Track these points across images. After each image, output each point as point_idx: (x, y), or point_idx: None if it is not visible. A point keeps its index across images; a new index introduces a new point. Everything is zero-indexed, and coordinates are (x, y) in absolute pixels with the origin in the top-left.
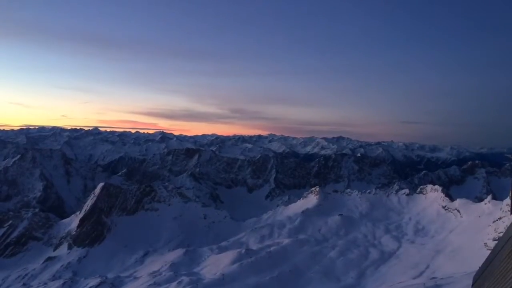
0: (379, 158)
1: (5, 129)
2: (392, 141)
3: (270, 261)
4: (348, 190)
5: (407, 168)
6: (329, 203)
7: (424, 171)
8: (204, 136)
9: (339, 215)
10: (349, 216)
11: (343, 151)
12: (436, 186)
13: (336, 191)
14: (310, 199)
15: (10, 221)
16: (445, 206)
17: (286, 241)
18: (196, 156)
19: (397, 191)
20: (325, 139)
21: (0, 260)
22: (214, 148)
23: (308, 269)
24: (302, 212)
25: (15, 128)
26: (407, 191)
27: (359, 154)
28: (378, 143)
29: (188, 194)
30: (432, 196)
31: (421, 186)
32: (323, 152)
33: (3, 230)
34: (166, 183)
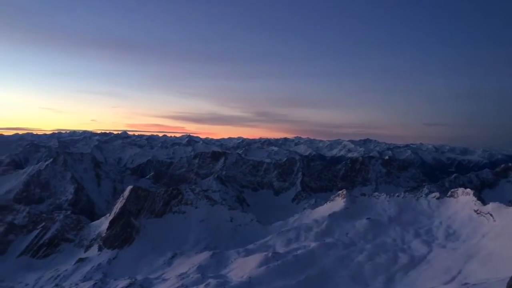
0: (408, 160)
1: (38, 133)
2: (421, 143)
3: (297, 264)
4: (376, 193)
5: (437, 171)
6: (357, 206)
7: (455, 174)
8: (230, 139)
9: (367, 218)
10: (377, 219)
11: (371, 154)
12: (468, 190)
13: (363, 194)
14: (337, 202)
15: (43, 223)
16: (477, 210)
17: (313, 244)
18: (222, 159)
19: (427, 194)
20: (352, 141)
21: (34, 261)
22: (240, 151)
23: (336, 273)
24: (329, 215)
25: (48, 133)
26: (437, 194)
27: (387, 157)
28: (407, 146)
29: (214, 197)
30: (464, 200)
31: (452, 190)
32: (349, 154)
33: (37, 231)
34: (193, 186)
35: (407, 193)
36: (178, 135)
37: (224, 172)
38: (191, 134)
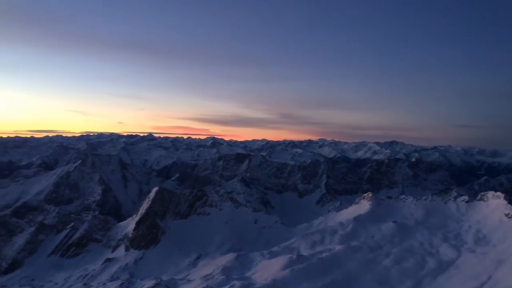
0: (436, 163)
1: (67, 135)
2: (449, 145)
3: (322, 267)
4: (403, 196)
5: (466, 173)
6: (383, 209)
7: (484, 177)
8: (254, 141)
9: (393, 222)
10: (404, 223)
11: (397, 156)
12: (498, 193)
13: (389, 197)
14: (363, 205)
15: (72, 223)
16: (508, 213)
17: (338, 247)
18: (247, 161)
19: (455, 197)
20: (378, 143)
21: (63, 261)
22: (264, 153)
23: (361, 277)
24: (355, 218)
25: (76, 135)
26: (466, 197)
27: (414, 159)
28: (434, 148)
29: (239, 199)
30: (494, 203)
31: (482, 193)
32: (375, 157)
33: (66, 232)
34: (217, 188)
35: (435, 196)
36: (202, 137)
37: (248, 174)
38: (215, 136)
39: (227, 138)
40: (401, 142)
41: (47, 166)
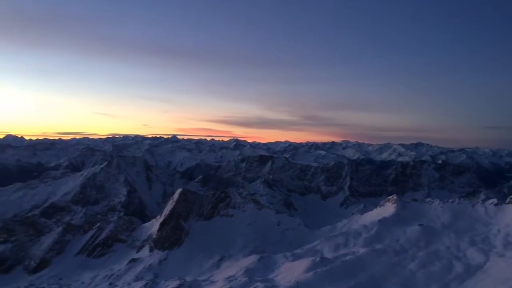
0: (463, 165)
1: (94, 138)
2: (477, 147)
3: (345, 270)
4: (429, 199)
5: (494, 176)
6: (408, 212)
7: None
8: (277, 143)
9: (419, 225)
10: (430, 226)
11: (423, 158)
12: None
13: (415, 200)
14: (387, 208)
15: (98, 224)
16: None
17: (362, 250)
18: (269, 163)
19: (483, 200)
20: (403, 145)
21: (89, 260)
22: (287, 155)
23: (386, 281)
24: (379, 221)
25: (102, 137)
26: (495, 200)
27: (440, 161)
28: (462, 150)
29: (261, 201)
30: None
31: (511, 196)
32: (400, 159)
33: (92, 232)
34: (240, 190)
35: (462, 199)
36: (225, 139)
37: (271, 176)
38: (238, 138)
39: (250, 140)
40: (427, 144)
41: (74, 168)
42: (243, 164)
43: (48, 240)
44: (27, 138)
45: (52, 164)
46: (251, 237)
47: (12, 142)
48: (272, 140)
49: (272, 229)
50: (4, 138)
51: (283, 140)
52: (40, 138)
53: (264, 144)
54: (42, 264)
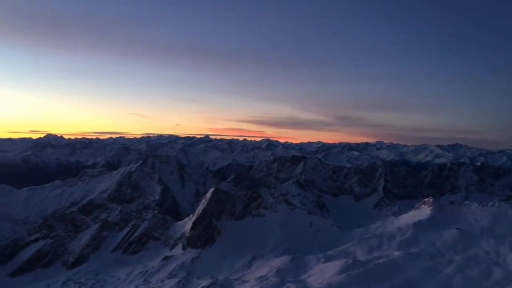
0: (503, 167)
1: (129, 137)
2: None
3: (379, 273)
4: (467, 202)
5: None
6: (445, 215)
7: None
8: (309, 143)
9: (457, 228)
10: (468, 230)
11: (460, 160)
12: None
13: (452, 203)
14: (423, 211)
15: (133, 222)
16: None
17: (396, 253)
18: (302, 164)
19: None
20: (439, 146)
21: (125, 257)
22: (319, 156)
23: (422, 285)
24: (414, 224)
25: (138, 136)
26: None
27: (479, 163)
28: (502, 151)
29: (293, 202)
30: None
31: None
32: (437, 160)
33: (127, 229)
34: (272, 190)
35: (502, 202)
36: (257, 139)
37: (303, 177)
38: (270, 138)
39: (282, 140)
40: (465, 145)
41: (111, 166)
42: (275, 165)
43: (85, 236)
44: (66, 137)
45: (90, 163)
46: (283, 237)
47: (52, 141)
48: (304, 141)
49: (304, 230)
50: (44, 137)
51: (315, 140)
52: (79, 137)
53: (296, 145)
54: (80, 260)
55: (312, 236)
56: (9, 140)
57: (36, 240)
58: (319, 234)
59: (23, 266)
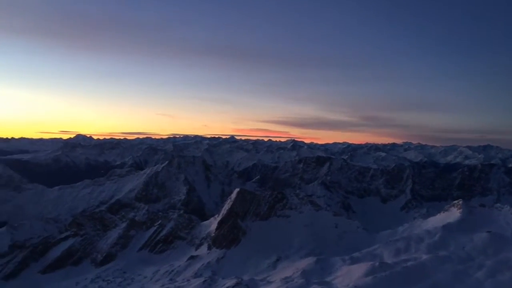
0: None
1: (156, 137)
2: None
3: (406, 276)
4: (498, 204)
5: None
6: (475, 218)
7: None
8: (335, 144)
9: (487, 232)
10: (500, 233)
11: (492, 161)
12: None
13: (483, 205)
14: (452, 213)
15: (160, 221)
16: None
17: (424, 256)
18: (327, 164)
19: None
20: (469, 147)
21: (151, 256)
22: (345, 157)
23: None
24: (443, 226)
25: (164, 137)
26: None
27: (511, 165)
28: None
29: (319, 202)
30: None
31: None
32: (467, 162)
33: (154, 228)
34: (297, 191)
35: None
36: (283, 139)
37: (328, 178)
38: (295, 139)
39: (307, 141)
40: (497, 147)
41: (138, 166)
42: (300, 165)
43: (113, 235)
44: (95, 138)
45: (118, 163)
46: (308, 238)
47: (82, 142)
48: (330, 141)
49: (329, 232)
50: (74, 137)
51: (341, 141)
52: (107, 138)
53: (322, 145)
54: (108, 258)
55: (337, 238)
56: (41, 140)
57: (66, 238)
58: (345, 236)
59: (54, 263)
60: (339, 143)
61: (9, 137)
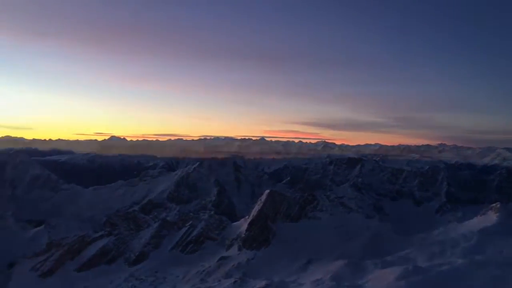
0: None
1: (187, 139)
2: None
3: (441, 281)
4: None
5: None
6: None
7: None
8: (366, 145)
9: None
10: None
11: None
12: None
13: None
14: (489, 217)
15: (191, 222)
16: None
17: (460, 261)
18: (359, 166)
19: None
20: (508, 149)
21: (183, 256)
22: (377, 158)
23: None
24: (480, 230)
25: (195, 138)
26: None
27: None
28: None
29: (350, 205)
30: None
31: None
32: (505, 164)
33: (185, 229)
34: (328, 193)
35: None
36: (313, 141)
37: (360, 179)
38: (326, 140)
39: (338, 142)
40: None
41: (170, 167)
42: (331, 167)
43: (146, 234)
44: (128, 139)
45: (150, 164)
46: (339, 241)
47: (116, 143)
48: (362, 143)
49: (361, 234)
50: (109, 139)
51: (373, 142)
52: (140, 139)
53: (353, 147)
54: (141, 257)
55: (369, 241)
56: (77, 142)
57: (100, 237)
58: (377, 239)
59: (89, 262)
60: (371, 145)
61: (47, 138)
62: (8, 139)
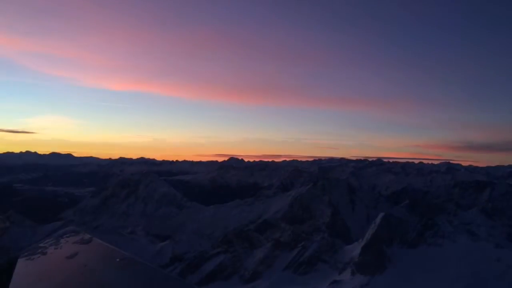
0: None
1: (301, 160)
2: None
3: None
4: None
5: None
6: None
7: None
8: (498, 167)
9: None
10: None
11: None
12: None
13: None
14: None
15: (303, 242)
16: None
17: None
18: (488, 190)
19: None
20: None
21: (295, 277)
22: (511, 181)
23: None
24: None
25: (309, 159)
26: None
27: None
28: None
29: (478, 232)
30: None
31: None
32: None
33: (297, 249)
34: (451, 218)
35: None
36: (435, 162)
37: (490, 204)
38: (450, 161)
39: (465, 164)
40: None
41: (284, 188)
42: (456, 190)
43: (259, 253)
44: (246, 160)
45: (266, 184)
46: (463, 271)
47: (234, 164)
48: (493, 164)
49: (489, 265)
50: (228, 160)
51: (506, 164)
52: (257, 160)
53: (482, 168)
54: (254, 276)
55: (500, 272)
56: (199, 163)
57: (217, 254)
58: (510, 271)
59: (207, 277)
60: (504, 166)
61: (174, 160)
62: (141, 160)
